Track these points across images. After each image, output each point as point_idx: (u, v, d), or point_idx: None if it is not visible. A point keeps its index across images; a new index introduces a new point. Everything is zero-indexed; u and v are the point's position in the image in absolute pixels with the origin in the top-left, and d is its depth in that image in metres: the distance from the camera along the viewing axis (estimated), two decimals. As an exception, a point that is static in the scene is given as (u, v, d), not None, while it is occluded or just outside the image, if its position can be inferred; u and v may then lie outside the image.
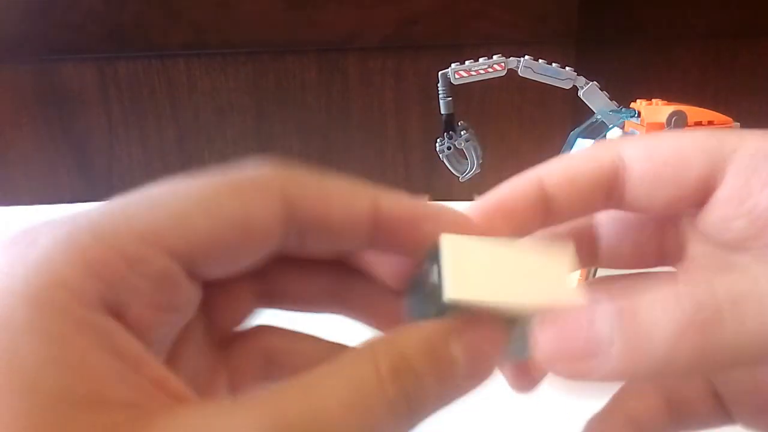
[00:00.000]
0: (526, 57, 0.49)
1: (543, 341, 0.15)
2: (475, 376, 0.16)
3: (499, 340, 0.16)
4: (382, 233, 0.17)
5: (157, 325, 0.14)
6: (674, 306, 0.14)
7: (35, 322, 0.11)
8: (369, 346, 0.15)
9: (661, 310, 0.14)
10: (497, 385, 0.17)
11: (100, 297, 0.12)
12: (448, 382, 0.15)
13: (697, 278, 0.14)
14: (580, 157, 0.20)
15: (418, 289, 0.18)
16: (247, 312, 0.19)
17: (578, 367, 0.15)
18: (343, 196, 0.17)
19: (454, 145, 0.54)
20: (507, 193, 0.19)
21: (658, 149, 0.19)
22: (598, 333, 0.14)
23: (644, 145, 0.19)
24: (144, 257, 0.13)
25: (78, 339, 0.11)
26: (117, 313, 0.13)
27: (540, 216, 0.19)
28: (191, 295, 0.15)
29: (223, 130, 0.90)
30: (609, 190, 0.19)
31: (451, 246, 0.17)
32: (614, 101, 0.50)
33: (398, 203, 0.18)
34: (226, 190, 0.16)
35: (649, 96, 0.49)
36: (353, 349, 0.15)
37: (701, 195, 0.18)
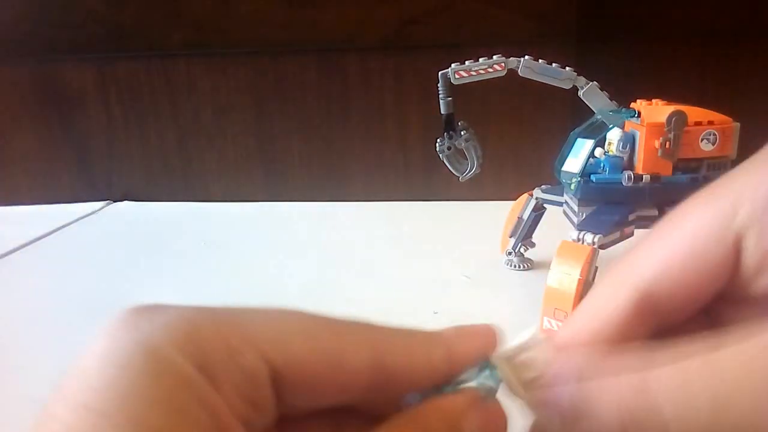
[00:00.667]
0: (526, 57, 0.49)
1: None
2: None
3: (504, 416, 0.18)
4: (455, 368, 0.18)
5: (240, 414, 0.15)
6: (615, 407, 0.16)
7: (141, 371, 0.13)
8: (395, 424, 0.16)
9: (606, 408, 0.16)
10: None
11: (203, 368, 0.14)
12: None
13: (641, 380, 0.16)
14: (599, 307, 0.19)
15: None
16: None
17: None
18: (420, 342, 0.18)
19: (454, 145, 0.54)
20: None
21: (672, 259, 0.19)
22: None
23: (658, 260, 0.19)
24: (243, 351, 0.15)
25: (179, 393, 0.13)
26: (215, 385, 0.14)
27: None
28: (271, 407, 0.16)
29: (223, 130, 0.90)
30: (642, 320, 0.19)
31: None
32: (614, 101, 0.50)
33: (461, 335, 0.19)
34: (324, 326, 0.17)
35: (649, 96, 0.49)
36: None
37: (728, 277, 0.18)
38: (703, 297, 0.19)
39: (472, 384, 0.18)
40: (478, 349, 0.19)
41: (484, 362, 0.19)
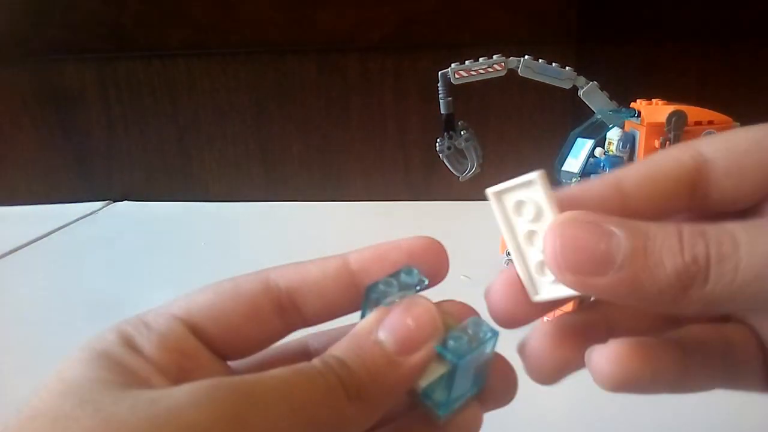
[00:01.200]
0: (526, 57, 0.49)
1: (560, 245, 0.17)
2: (409, 349, 0.18)
3: (426, 314, 0.18)
4: (363, 281, 0.20)
5: (171, 363, 0.18)
6: (676, 254, 0.16)
7: (78, 356, 0.17)
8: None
9: (666, 255, 0.16)
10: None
11: (125, 343, 0.18)
12: (380, 363, 0.18)
13: (700, 230, 0.16)
14: (660, 158, 0.20)
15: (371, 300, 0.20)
16: None
17: (585, 281, 0.17)
18: (314, 261, 0.21)
19: (454, 145, 0.54)
20: (581, 192, 0.19)
21: (736, 142, 0.19)
22: (612, 257, 0.16)
23: (722, 140, 0.19)
24: (154, 320, 0.19)
25: (99, 359, 0.17)
26: (137, 352, 0.18)
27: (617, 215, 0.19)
28: (201, 351, 0.19)
29: (223, 130, 0.90)
30: (692, 188, 0.19)
31: None
32: (614, 101, 0.50)
33: (364, 249, 0.21)
34: (224, 281, 0.20)
35: (649, 96, 0.49)
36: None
37: None
38: (754, 188, 0.19)
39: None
40: (386, 251, 0.20)
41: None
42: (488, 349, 0.19)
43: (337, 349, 0.18)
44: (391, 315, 0.18)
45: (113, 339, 0.18)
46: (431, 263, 0.20)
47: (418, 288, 0.19)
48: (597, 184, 0.19)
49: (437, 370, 0.18)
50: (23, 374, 0.44)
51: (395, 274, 0.19)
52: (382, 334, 0.18)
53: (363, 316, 0.19)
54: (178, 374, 0.18)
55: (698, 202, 0.19)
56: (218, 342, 0.19)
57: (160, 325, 0.19)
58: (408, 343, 0.18)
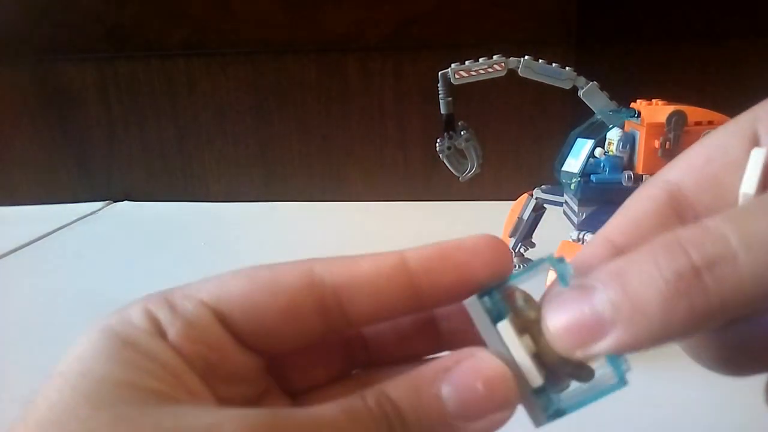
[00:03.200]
0: (526, 57, 0.49)
1: (554, 328, 0.16)
2: (472, 416, 0.16)
3: (500, 380, 0.16)
4: (422, 282, 0.18)
5: (195, 355, 0.17)
6: (657, 277, 0.15)
7: (95, 342, 0.16)
8: (361, 391, 0.17)
9: (647, 284, 0.15)
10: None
11: (151, 328, 0.17)
12: (436, 422, 0.16)
13: (675, 240, 0.15)
14: (635, 202, 0.19)
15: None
16: (338, 373, 0.21)
17: (592, 349, 0.16)
18: (367, 258, 0.18)
19: (454, 145, 0.54)
20: (579, 262, 0.18)
21: (696, 155, 0.19)
22: (601, 318, 0.15)
23: (682, 159, 0.19)
24: (181, 303, 0.17)
25: (125, 349, 0.16)
26: (163, 337, 0.17)
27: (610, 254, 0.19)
28: (229, 344, 0.18)
29: (223, 130, 0.90)
30: (679, 216, 0.19)
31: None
32: (614, 101, 0.50)
33: (422, 248, 0.18)
34: (261, 267, 0.18)
35: (649, 96, 0.49)
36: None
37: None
38: (727, 185, 0.18)
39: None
40: (452, 256, 0.18)
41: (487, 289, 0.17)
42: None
43: (395, 390, 0.16)
44: (460, 368, 0.16)
45: (140, 324, 0.17)
46: (497, 263, 0.18)
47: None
48: (590, 248, 0.19)
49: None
50: (23, 374, 0.44)
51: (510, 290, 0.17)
52: (446, 390, 0.16)
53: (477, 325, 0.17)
54: (205, 367, 0.17)
55: (688, 220, 0.19)
56: (249, 336, 0.18)
57: (187, 310, 0.17)
58: (471, 410, 0.16)
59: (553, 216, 0.56)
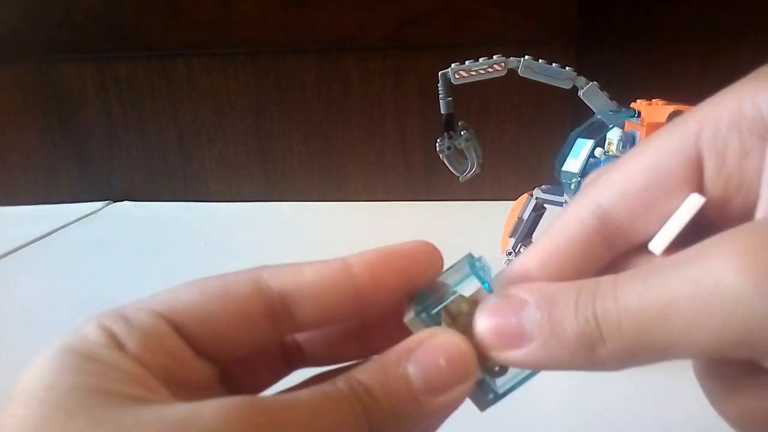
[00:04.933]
0: (526, 57, 0.49)
1: (481, 328, 0.18)
2: (435, 390, 0.17)
3: (459, 356, 0.17)
4: (365, 287, 0.19)
5: (156, 364, 0.17)
6: (572, 318, 0.16)
7: (55, 358, 0.16)
8: (331, 378, 0.17)
9: (567, 320, 0.16)
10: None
11: (111, 342, 0.17)
12: (404, 398, 0.17)
13: (593, 287, 0.16)
14: (563, 224, 0.19)
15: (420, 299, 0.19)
16: (279, 376, 0.22)
17: (506, 356, 0.17)
18: (312, 264, 0.19)
19: (454, 145, 0.54)
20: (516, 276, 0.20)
21: (632, 179, 0.18)
22: (524, 330, 0.17)
23: (617, 181, 0.19)
24: (135, 316, 0.17)
25: (87, 362, 0.16)
26: (123, 351, 0.17)
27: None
28: (186, 352, 0.18)
29: (223, 130, 0.90)
30: (606, 241, 0.19)
31: None
32: (614, 101, 0.50)
33: (364, 253, 0.19)
34: (211, 277, 0.19)
35: (649, 96, 0.49)
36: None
37: (694, 189, 0.18)
38: (664, 215, 0.18)
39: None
40: (390, 257, 0.19)
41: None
42: None
43: (363, 373, 0.17)
44: (423, 348, 0.17)
45: (97, 338, 0.17)
46: (432, 268, 0.20)
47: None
48: (524, 263, 0.20)
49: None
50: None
51: (451, 273, 0.19)
52: (411, 368, 0.17)
53: (408, 319, 0.19)
54: (166, 376, 0.17)
55: (619, 248, 0.19)
56: (203, 344, 0.18)
57: (142, 321, 0.17)
58: (436, 384, 0.17)
59: (553, 216, 0.56)
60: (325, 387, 0.17)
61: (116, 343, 0.17)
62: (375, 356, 0.18)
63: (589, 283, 0.17)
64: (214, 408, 0.15)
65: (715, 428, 0.21)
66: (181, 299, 0.18)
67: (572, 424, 0.38)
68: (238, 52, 0.86)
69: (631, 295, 0.16)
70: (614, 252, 0.19)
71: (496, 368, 0.18)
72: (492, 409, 0.19)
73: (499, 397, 0.19)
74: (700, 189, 0.18)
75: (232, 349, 0.19)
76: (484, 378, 0.18)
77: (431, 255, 0.20)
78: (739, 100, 0.17)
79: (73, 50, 0.88)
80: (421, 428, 0.18)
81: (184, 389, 0.17)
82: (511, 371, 0.19)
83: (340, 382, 0.17)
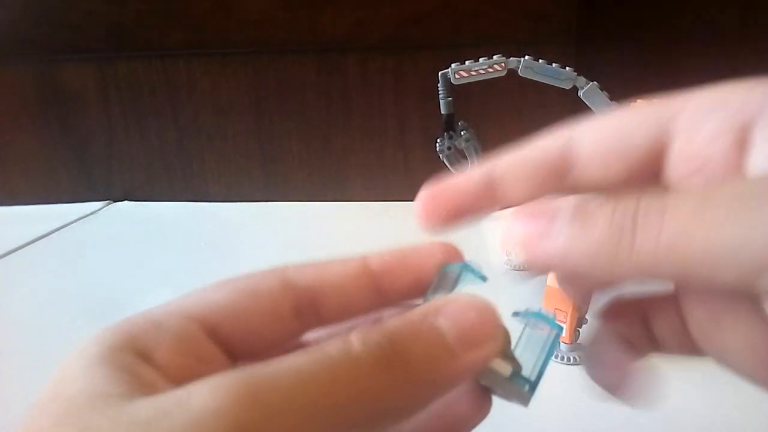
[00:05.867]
0: (526, 57, 0.49)
1: (513, 227, 0.18)
2: (470, 343, 0.16)
3: (488, 310, 0.17)
4: (384, 283, 0.20)
5: (183, 370, 0.16)
6: (608, 213, 0.16)
7: (75, 361, 0.16)
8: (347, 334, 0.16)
9: (599, 221, 0.16)
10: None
11: (130, 347, 0.16)
12: (436, 349, 0.16)
13: (638, 192, 0.16)
14: (530, 146, 0.21)
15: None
16: None
17: (531, 247, 0.17)
18: (334, 261, 0.20)
19: (454, 145, 0.54)
20: (455, 181, 0.21)
21: (603, 126, 0.20)
22: (554, 225, 0.17)
23: (592, 124, 0.20)
24: (166, 320, 0.17)
25: (99, 367, 0.15)
26: (144, 357, 0.16)
27: (487, 201, 0.21)
28: (218, 354, 0.18)
29: (223, 130, 0.90)
30: (559, 173, 0.20)
31: None
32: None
33: (383, 251, 0.20)
34: (237, 276, 0.19)
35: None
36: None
37: (654, 164, 0.19)
38: (620, 170, 0.19)
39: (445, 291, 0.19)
40: (418, 259, 0.20)
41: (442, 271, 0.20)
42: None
43: (392, 324, 0.16)
44: (452, 304, 0.17)
45: (118, 344, 0.16)
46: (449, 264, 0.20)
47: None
48: (474, 172, 0.21)
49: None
50: (23, 375, 0.44)
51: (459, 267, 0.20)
52: (443, 321, 0.16)
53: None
54: (188, 379, 0.16)
55: (569, 186, 0.20)
56: (234, 343, 0.18)
57: (173, 326, 0.17)
58: (470, 337, 0.16)
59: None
60: (337, 344, 0.15)
61: (138, 348, 0.16)
62: (397, 315, 0.17)
63: (634, 190, 0.17)
64: (202, 393, 0.13)
65: (715, 428, 0.21)
66: (212, 299, 0.18)
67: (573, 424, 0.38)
68: (238, 52, 0.86)
69: (687, 206, 0.15)
70: (561, 188, 0.20)
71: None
72: (492, 410, 0.19)
73: (534, 384, 0.18)
74: (658, 164, 0.19)
75: (259, 345, 0.19)
76: (514, 371, 0.18)
77: (446, 252, 0.20)
78: (728, 93, 0.18)
79: (73, 50, 0.88)
80: (451, 388, 0.16)
81: (194, 365, 0.17)
82: (530, 357, 0.19)
83: (355, 341, 0.15)
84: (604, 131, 0.20)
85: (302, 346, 0.21)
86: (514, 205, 0.20)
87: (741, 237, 0.14)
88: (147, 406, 0.14)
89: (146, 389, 0.15)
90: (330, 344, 0.15)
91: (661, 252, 0.15)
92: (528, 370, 0.19)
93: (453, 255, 0.20)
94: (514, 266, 0.56)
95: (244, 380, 0.14)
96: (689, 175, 0.18)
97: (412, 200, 0.21)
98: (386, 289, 0.20)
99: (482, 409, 0.19)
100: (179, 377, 0.16)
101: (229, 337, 0.18)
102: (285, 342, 0.19)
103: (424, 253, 0.20)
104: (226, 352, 0.18)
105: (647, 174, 0.19)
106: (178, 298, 0.18)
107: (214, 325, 0.18)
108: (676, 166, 0.18)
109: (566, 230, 0.17)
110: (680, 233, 0.15)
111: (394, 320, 0.16)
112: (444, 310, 0.16)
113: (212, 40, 0.85)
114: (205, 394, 0.13)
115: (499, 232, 0.18)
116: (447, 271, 0.20)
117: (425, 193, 0.21)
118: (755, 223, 0.14)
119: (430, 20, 0.81)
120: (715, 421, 0.37)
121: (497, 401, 0.19)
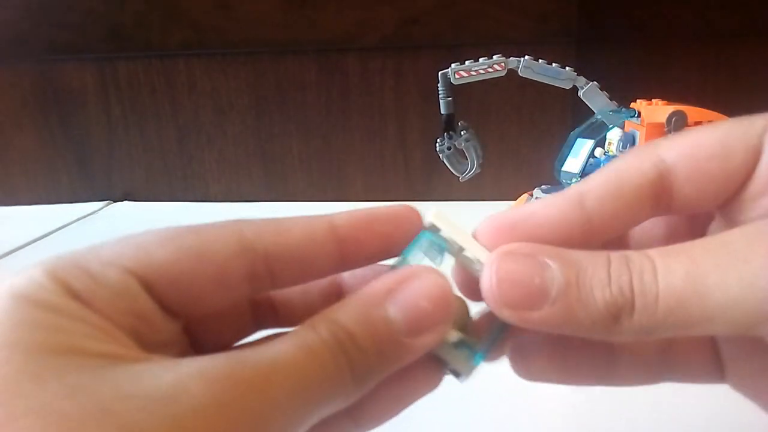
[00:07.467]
0: (526, 57, 0.49)
1: (495, 282, 0.17)
2: (418, 331, 0.17)
3: (441, 295, 0.17)
4: (349, 249, 0.19)
5: (123, 325, 0.16)
6: (605, 287, 0.16)
7: (11, 308, 0.14)
8: (309, 320, 0.17)
9: (596, 287, 0.16)
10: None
11: (70, 295, 0.15)
12: (386, 340, 0.17)
13: (625, 259, 0.17)
14: (622, 168, 0.19)
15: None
16: (246, 334, 0.21)
17: (521, 315, 0.17)
18: (297, 223, 0.19)
19: (454, 145, 0.54)
20: (544, 211, 0.19)
21: (699, 145, 0.19)
22: (546, 291, 0.17)
23: (684, 143, 0.19)
24: (101, 272, 0.16)
25: (46, 314, 0.14)
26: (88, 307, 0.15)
27: (583, 235, 0.19)
28: (158, 314, 0.17)
29: (223, 130, 0.90)
30: (656, 198, 0.19)
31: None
32: (614, 101, 0.50)
33: (350, 215, 0.19)
34: (185, 230, 0.17)
35: (649, 96, 0.49)
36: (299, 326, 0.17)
37: (743, 182, 0.18)
38: (717, 193, 0.19)
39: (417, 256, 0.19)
40: (382, 223, 0.19)
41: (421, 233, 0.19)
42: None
43: (345, 316, 0.17)
44: (404, 290, 0.17)
45: (54, 288, 0.15)
46: (412, 233, 0.19)
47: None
48: (559, 202, 0.19)
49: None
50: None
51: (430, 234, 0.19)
52: (393, 311, 0.17)
53: (403, 261, 0.19)
54: (133, 335, 0.16)
55: (662, 209, 0.19)
56: (175, 303, 0.17)
57: (111, 280, 0.16)
58: (418, 325, 0.17)
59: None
60: (307, 335, 0.16)
61: (74, 295, 0.15)
62: (353, 294, 0.17)
63: (617, 254, 0.17)
64: (197, 383, 0.14)
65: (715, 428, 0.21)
66: (155, 256, 0.17)
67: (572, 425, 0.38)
68: (238, 52, 0.86)
69: (678, 272, 0.16)
70: (655, 213, 0.19)
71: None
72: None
73: (481, 357, 0.18)
74: (749, 176, 0.18)
75: (205, 307, 0.18)
76: (461, 339, 0.18)
77: (411, 220, 0.19)
78: None
79: (73, 50, 0.88)
80: (399, 368, 0.17)
81: (149, 345, 0.16)
82: (489, 328, 0.19)
83: (322, 329, 0.16)
84: (701, 150, 0.18)
85: (255, 303, 0.21)
86: (608, 238, 0.19)
87: (731, 298, 0.15)
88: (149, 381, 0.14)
89: (110, 340, 0.15)
90: (298, 336, 0.16)
91: (659, 318, 0.16)
92: (480, 342, 0.19)
93: (417, 222, 0.20)
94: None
95: (228, 366, 0.15)
96: (763, 194, 0.18)
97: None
98: (350, 253, 0.19)
99: (432, 378, 0.19)
100: (126, 330, 0.16)
101: (169, 297, 0.17)
102: (231, 304, 0.19)
103: (391, 220, 0.19)
104: (164, 309, 0.17)
105: (735, 194, 0.19)
106: (108, 243, 0.17)
107: (152, 283, 0.16)
108: (760, 176, 0.18)
109: (561, 301, 0.16)
110: (676, 298, 0.16)
111: (352, 308, 0.17)
112: (395, 298, 0.17)
113: (212, 40, 0.85)
114: (199, 383, 0.14)
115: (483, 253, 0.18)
116: (423, 238, 0.19)
117: (494, 225, 0.19)
118: (744, 282, 0.15)
119: (430, 20, 0.81)
120: (716, 421, 0.37)
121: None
